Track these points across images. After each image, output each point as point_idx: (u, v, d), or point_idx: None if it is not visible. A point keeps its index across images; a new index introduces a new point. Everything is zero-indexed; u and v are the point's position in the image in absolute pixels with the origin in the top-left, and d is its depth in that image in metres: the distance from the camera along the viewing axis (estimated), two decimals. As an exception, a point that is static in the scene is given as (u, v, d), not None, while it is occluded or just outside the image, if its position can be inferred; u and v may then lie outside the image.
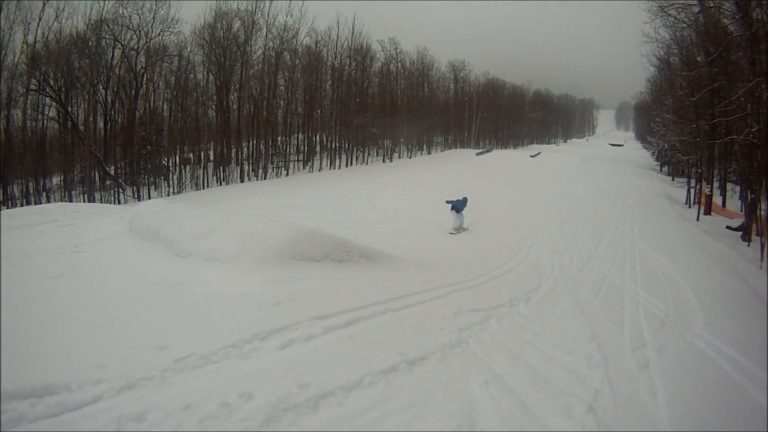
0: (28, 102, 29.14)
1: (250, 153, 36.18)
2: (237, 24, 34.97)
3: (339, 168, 39.56)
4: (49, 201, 27.32)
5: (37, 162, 29.08)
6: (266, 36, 36.04)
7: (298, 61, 38.26)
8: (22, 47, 28.41)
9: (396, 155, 46.22)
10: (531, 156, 45.09)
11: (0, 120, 28.05)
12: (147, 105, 32.51)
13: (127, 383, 3.87)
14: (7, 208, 26.71)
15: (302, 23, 37.27)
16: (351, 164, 41.07)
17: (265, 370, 4.26)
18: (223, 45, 34.30)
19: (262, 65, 36.13)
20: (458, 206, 14.66)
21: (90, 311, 5.46)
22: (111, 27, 30.50)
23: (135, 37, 31.29)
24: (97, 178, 30.06)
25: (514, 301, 7.08)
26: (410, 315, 6.03)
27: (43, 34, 28.85)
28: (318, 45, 39.33)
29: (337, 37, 40.11)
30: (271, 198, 23.38)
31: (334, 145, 40.86)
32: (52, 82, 29.03)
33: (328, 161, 39.98)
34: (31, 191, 28.82)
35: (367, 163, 42.12)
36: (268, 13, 35.71)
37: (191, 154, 34.48)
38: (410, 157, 46.61)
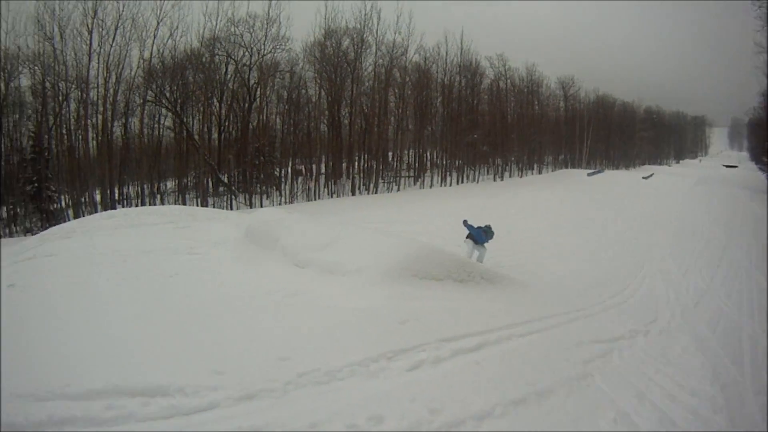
0: (146, 112, 31.19)
1: (361, 167, 36.32)
2: (346, 42, 35.54)
3: (450, 185, 38.85)
4: (163, 203, 29.61)
5: (152, 166, 31.31)
6: (375, 53, 36.33)
7: (407, 78, 38.25)
8: (139, 62, 30.38)
9: (507, 174, 44.87)
10: (643, 177, 42.60)
11: (119, 127, 30.67)
12: (260, 118, 33.54)
13: (246, 393, 3.87)
14: (123, 206, 28.70)
15: (411, 41, 37.39)
16: (462, 182, 40.23)
17: (393, 392, 4.17)
18: (334, 62, 34.87)
19: (372, 82, 36.40)
20: (477, 236, 12.14)
21: (205, 313, 5.58)
22: (224, 44, 32.06)
23: (247, 53, 32.66)
24: (210, 185, 31.65)
25: (633, 333, 6.85)
26: (534, 342, 5.87)
27: (158, 50, 30.68)
28: (427, 62, 39.24)
29: (446, 53, 39.81)
30: (382, 212, 22.98)
31: (444, 162, 40.25)
32: (168, 95, 30.81)
33: (439, 178, 39.40)
34: (146, 193, 30.79)
35: (477, 181, 41.10)
36: (377, 31, 35.95)
37: (302, 167, 35.34)
38: (521, 176, 45.10)
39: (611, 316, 7.80)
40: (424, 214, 22.06)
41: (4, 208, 31.46)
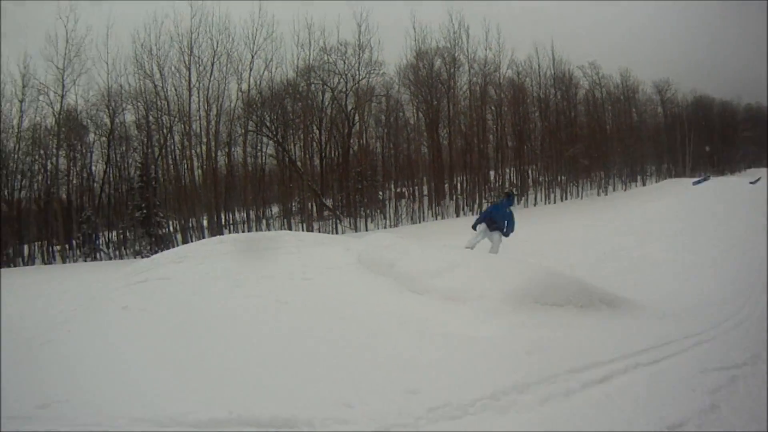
0: (248, 141, 32.88)
1: (464, 187, 36.19)
2: (438, 62, 35.68)
3: (554, 202, 37.88)
4: (268, 228, 31.01)
5: (256, 193, 33.42)
6: (469, 71, 36.24)
7: (502, 95, 37.80)
8: (237, 94, 32.11)
9: (610, 187, 43.21)
10: (750, 182, 39.65)
11: (222, 156, 32.79)
12: (360, 142, 34.27)
13: (377, 427, 3.72)
14: (229, 231, 30.71)
15: (502, 56, 36.89)
16: (565, 198, 39.11)
17: (527, 429, 3.87)
18: (428, 83, 34.98)
19: (468, 100, 36.35)
20: (507, 223, 10.83)
21: (325, 341, 5.48)
22: (318, 72, 33.41)
23: (342, 80, 33.78)
24: (314, 209, 32.59)
25: (755, 358, 5.81)
26: (659, 371, 5.29)
27: (255, 82, 32.35)
28: (520, 76, 38.58)
29: (539, 66, 38.92)
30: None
31: (547, 179, 39.36)
32: (268, 124, 32.38)
33: (543, 195, 38.53)
34: (252, 218, 32.16)
35: (581, 197, 39.83)
36: (467, 49, 35.84)
37: (405, 189, 35.66)
38: (625, 190, 43.37)
39: (729, 338, 6.89)
40: (531, 234, 21.26)
41: (114, 232, 33.54)
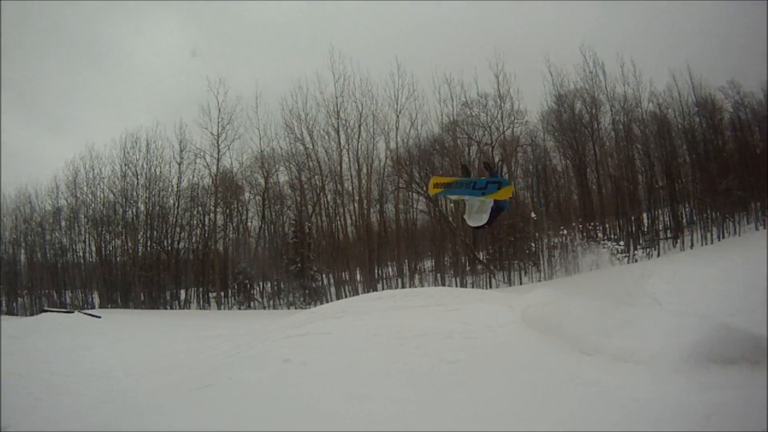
0: (399, 197, 34.49)
1: (615, 233, 35.52)
2: (579, 104, 35.73)
3: (711, 243, 35.98)
4: (421, 283, 32.25)
5: (408, 247, 34.89)
6: (610, 110, 35.78)
7: (646, 130, 36.84)
8: (386, 152, 34.30)
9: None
10: None
11: (374, 213, 34.92)
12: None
13: None
14: (382, 285, 32.96)
15: (641, 89, 36.16)
16: (723, 236, 37.05)
17: None
18: (571, 127, 35.10)
19: (613, 141, 35.97)
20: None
21: (494, 403, 5.48)
22: (462, 126, 34.51)
23: (487, 133, 34.55)
24: (467, 263, 33.27)
25: None
26: None
27: (402, 140, 34.47)
28: (661, 108, 37.35)
29: (678, 95, 37.52)
30: (656, 282, 21.65)
31: (702, 216, 37.68)
32: (417, 180, 33.67)
33: (700, 236, 36.78)
34: (405, 272, 33.70)
35: (739, 234, 37.32)
36: (606, 86, 35.44)
37: (556, 239, 35.18)
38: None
39: None
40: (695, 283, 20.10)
41: (269, 283, 36.27)
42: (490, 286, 30.67)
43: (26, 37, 59.10)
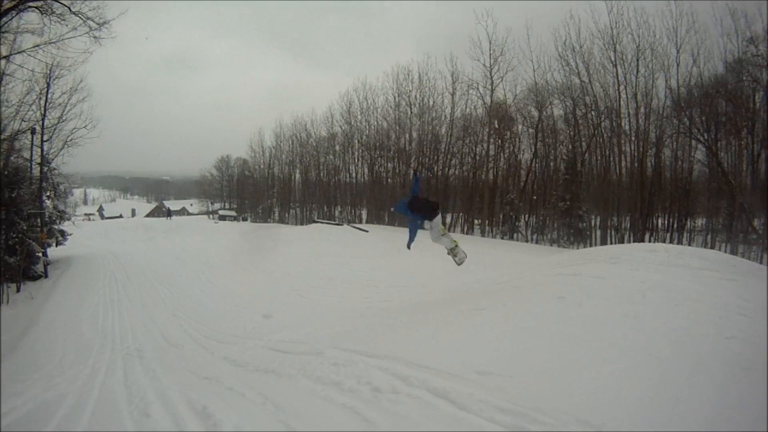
0: (677, 143, 32.38)
1: None
2: None
3: None
4: (690, 243, 29.75)
5: (680, 202, 32.40)
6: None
7: None
8: (665, 91, 31.88)
9: None
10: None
11: (649, 157, 32.85)
12: None
13: None
14: (650, 238, 31.41)
15: None
16: None
17: None
18: None
19: None
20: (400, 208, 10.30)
21: None
22: (747, 68, 29.46)
23: None
24: (739, 230, 29.11)
25: None
26: None
27: (683, 79, 31.31)
28: None
29: None
30: None
31: None
32: (699, 126, 30.94)
33: None
34: (674, 227, 32.25)
35: None
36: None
37: None
38: None
39: None
40: None
41: (534, 218, 38.29)
42: (761, 262, 23.84)
43: None
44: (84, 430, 5.86)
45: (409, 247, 10.58)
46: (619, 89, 32.93)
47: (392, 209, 11.96)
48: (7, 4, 23.81)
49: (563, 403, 4.28)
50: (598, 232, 34.02)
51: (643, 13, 31.89)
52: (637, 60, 32.18)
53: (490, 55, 38.01)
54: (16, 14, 24.52)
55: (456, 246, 10.84)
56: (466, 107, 41.37)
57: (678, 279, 7.95)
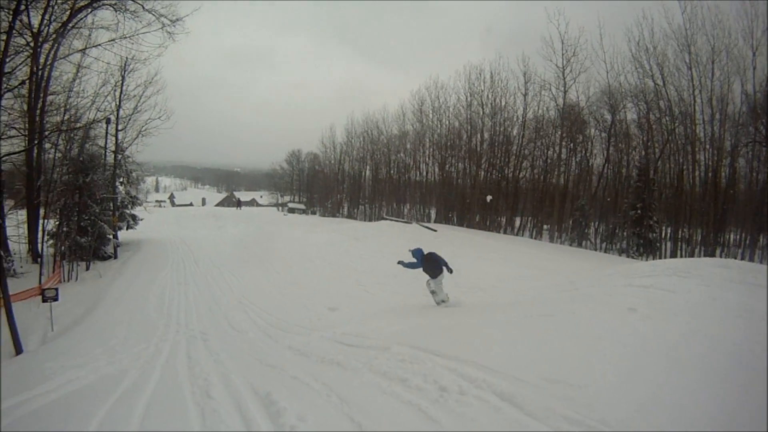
0: (754, 152, 31.33)
1: None
2: None
3: None
4: (761, 260, 28.92)
5: (755, 216, 30.84)
6: None
7: None
8: (741, 97, 30.87)
9: None
10: None
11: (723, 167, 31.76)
12: None
13: None
14: (721, 254, 30.52)
15: None
16: None
17: None
18: None
19: None
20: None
21: None
22: None
23: None
24: None
25: None
26: None
27: (759, 83, 30.04)
28: None
29: None
30: None
31: None
32: None
33: None
34: (746, 243, 31.47)
35: None
36: None
37: None
38: None
39: None
40: None
41: (603, 225, 37.51)
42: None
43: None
44: (94, 430, 5.68)
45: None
46: (693, 93, 32.13)
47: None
48: (81, 2, 26.27)
49: (630, 418, 4.32)
50: (668, 244, 33.43)
51: (718, 13, 30.93)
52: (713, 63, 31.25)
53: (563, 55, 37.72)
54: (91, 11, 27.13)
55: (445, 300, 12.37)
56: (538, 108, 40.96)
57: (751, 298, 7.60)
